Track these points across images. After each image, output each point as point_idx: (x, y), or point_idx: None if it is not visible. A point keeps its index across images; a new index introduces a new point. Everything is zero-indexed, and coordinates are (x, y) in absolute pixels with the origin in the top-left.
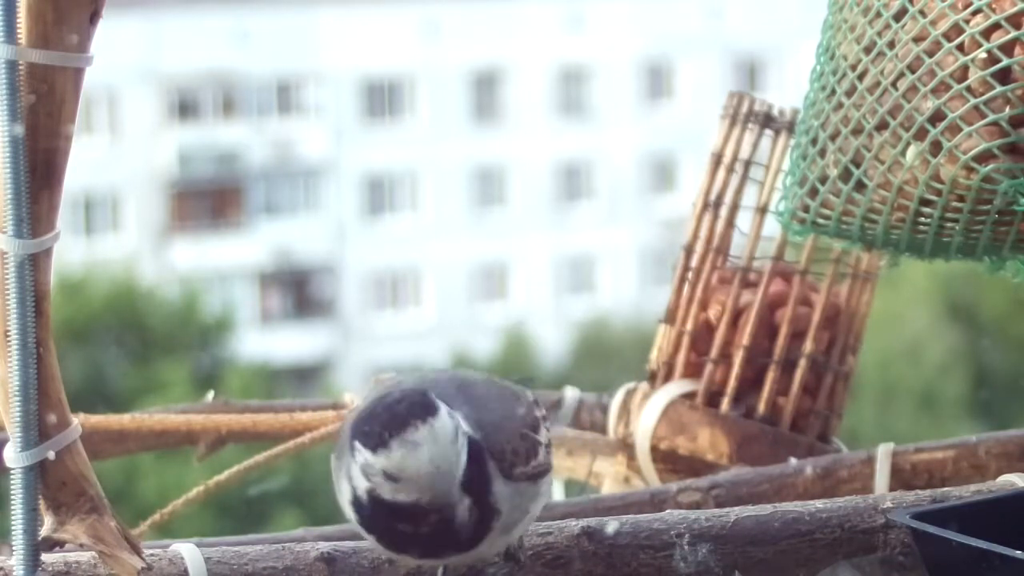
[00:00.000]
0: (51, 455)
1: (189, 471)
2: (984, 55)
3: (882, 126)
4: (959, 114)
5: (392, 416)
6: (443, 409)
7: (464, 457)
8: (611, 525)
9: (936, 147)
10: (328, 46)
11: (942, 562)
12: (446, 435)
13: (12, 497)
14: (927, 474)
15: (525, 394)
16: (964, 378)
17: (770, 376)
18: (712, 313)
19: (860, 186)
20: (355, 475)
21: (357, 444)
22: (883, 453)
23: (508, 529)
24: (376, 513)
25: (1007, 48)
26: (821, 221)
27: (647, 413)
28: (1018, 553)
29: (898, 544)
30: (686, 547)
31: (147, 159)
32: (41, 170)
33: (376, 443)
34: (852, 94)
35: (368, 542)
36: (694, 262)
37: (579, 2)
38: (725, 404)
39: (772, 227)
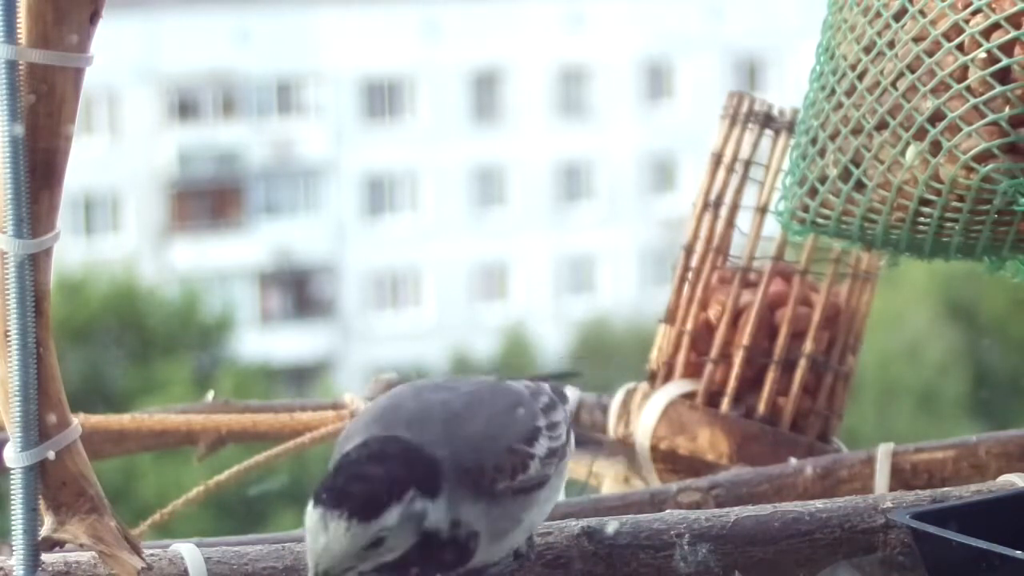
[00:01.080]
0: (51, 455)
1: (187, 471)
2: (984, 55)
3: (882, 126)
4: (959, 114)
5: (345, 488)
6: (392, 511)
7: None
8: (611, 525)
9: (936, 147)
10: (328, 46)
11: (942, 562)
12: (367, 535)
13: (12, 497)
14: (927, 474)
15: (530, 402)
16: (964, 378)
17: (770, 376)
18: (712, 313)
19: (860, 186)
20: None
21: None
22: (883, 453)
23: (498, 539)
24: None
25: (1007, 48)
26: (821, 221)
27: (647, 413)
28: (1018, 553)
29: (898, 544)
30: (686, 547)
31: (147, 159)
32: (41, 170)
33: (316, 498)
34: (852, 94)
35: None
36: (694, 262)
37: (579, 2)
38: (725, 404)
39: (772, 227)
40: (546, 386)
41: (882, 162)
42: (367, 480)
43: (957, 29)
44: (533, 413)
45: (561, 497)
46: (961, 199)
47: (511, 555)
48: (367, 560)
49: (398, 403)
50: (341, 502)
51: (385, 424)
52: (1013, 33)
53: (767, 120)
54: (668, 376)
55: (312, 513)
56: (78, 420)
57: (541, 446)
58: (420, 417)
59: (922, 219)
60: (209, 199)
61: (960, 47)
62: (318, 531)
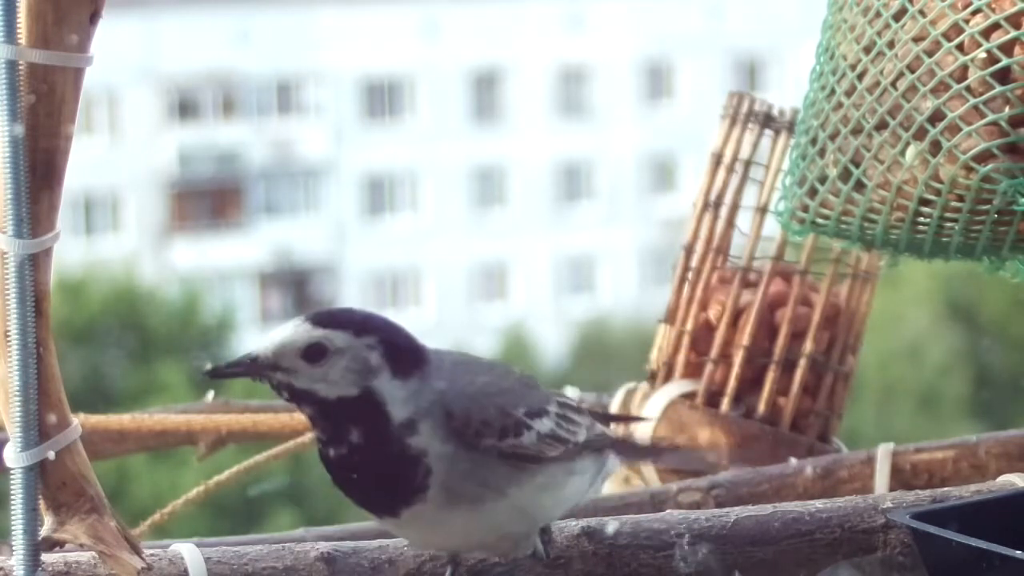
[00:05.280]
0: (51, 455)
1: (182, 473)
2: (984, 55)
3: (881, 126)
4: (958, 114)
5: (324, 310)
6: (344, 335)
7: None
8: (611, 525)
9: (935, 147)
10: (328, 46)
11: (942, 562)
12: (309, 336)
13: (12, 497)
14: (927, 474)
15: (549, 395)
16: (964, 378)
17: (770, 376)
18: (712, 313)
19: (859, 186)
20: None
21: None
22: (883, 453)
23: (460, 499)
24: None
25: (1007, 48)
26: (820, 221)
27: (647, 413)
28: (1018, 553)
29: (898, 544)
30: (686, 547)
31: (147, 159)
32: (41, 170)
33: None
34: (852, 94)
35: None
36: (694, 262)
37: (579, 2)
38: (725, 404)
39: (772, 227)
40: (584, 407)
41: (882, 162)
42: (348, 311)
43: (957, 29)
44: (546, 398)
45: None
46: (961, 199)
47: (528, 552)
48: (299, 374)
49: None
50: (312, 314)
51: None
52: (1013, 33)
53: (767, 120)
54: (668, 376)
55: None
56: (78, 420)
57: (544, 424)
58: (433, 357)
59: (922, 219)
60: (209, 199)
61: (960, 47)
62: (278, 328)
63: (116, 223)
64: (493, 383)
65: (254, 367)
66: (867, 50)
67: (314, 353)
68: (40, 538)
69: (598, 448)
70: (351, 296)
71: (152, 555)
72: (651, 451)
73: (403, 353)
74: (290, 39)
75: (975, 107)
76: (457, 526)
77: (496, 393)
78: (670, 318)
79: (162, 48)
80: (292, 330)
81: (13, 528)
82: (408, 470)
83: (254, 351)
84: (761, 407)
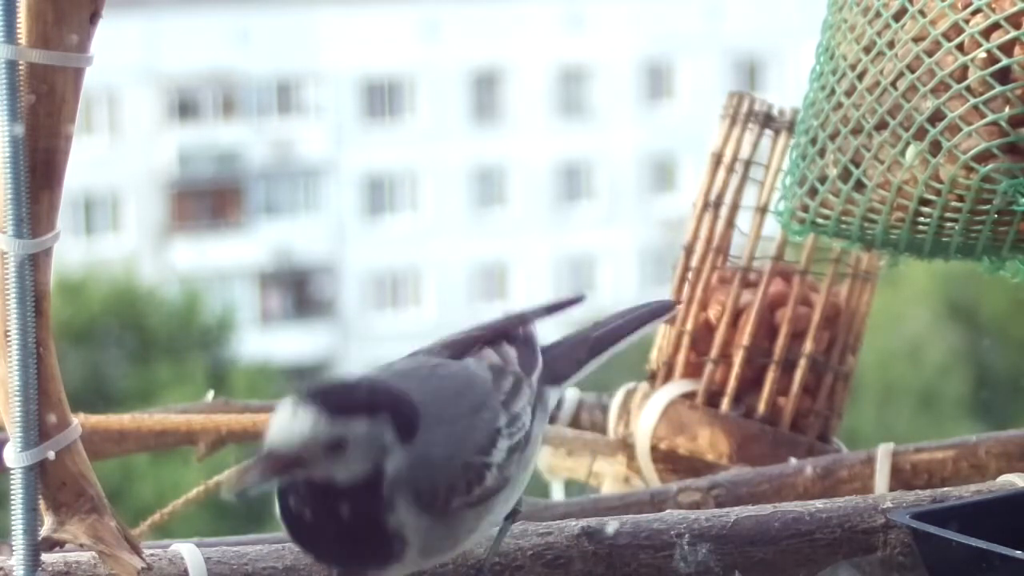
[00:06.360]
0: (51, 455)
1: (185, 472)
2: (984, 55)
3: (881, 126)
4: (958, 114)
5: (325, 390)
6: (363, 422)
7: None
8: (611, 525)
9: (935, 147)
10: (328, 46)
11: (942, 562)
12: (332, 432)
13: (12, 497)
14: (927, 474)
15: (493, 396)
16: (964, 378)
17: (770, 376)
18: (712, 313)
19: (859, 186)
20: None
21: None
22: (883, 453)
23: (433, 554)
24: (282, 497)
25: (1007, 48)
26: (820, 221)
27: (647, 413)
28: (1018, 553)
29: (898, 544)
30: (686, 547)
31: (147, 159)
32: (41, 170)
33: (296, 393)
34: (852, 94)
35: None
36: (694, 262)
37: (579, 2)
38: (725, 404)
39: (772, 227)
40: (514, 355)
41: (882, 162)
42: (350, 389)
43: (957, 29)
44: (495, 412)
45: (560, 497)
46: (961, 199)
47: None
48: (318, 464)
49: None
50: (317, 398)
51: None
52: (1013, 33)
53: (767, 120)
54: (668, 376)
55: (285, 403)
56: (78, 420)
57: (500, 451)
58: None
59: (922, 219)
60: (209, 199)
61: (960, 47)
62: (285, 416)
63: (116, 223)
64: (453, 433)
65: (279, 466)
66: (867, 50)
67: (337, 447)
68: (40, 538)
69: (541, 397)
70: (351, 296)
71: (152, 555)
72: (583, 344)
73: (409, 421)
74: (290, 39)
75: (975, 107)
76: (429, 565)
77: (456, 446)
78: (670, 318)
79: (162, 48)
80: (310, 424)
81: (13, 528)
82: (384, 544)
83: (274, 446)
84: (761, 407)
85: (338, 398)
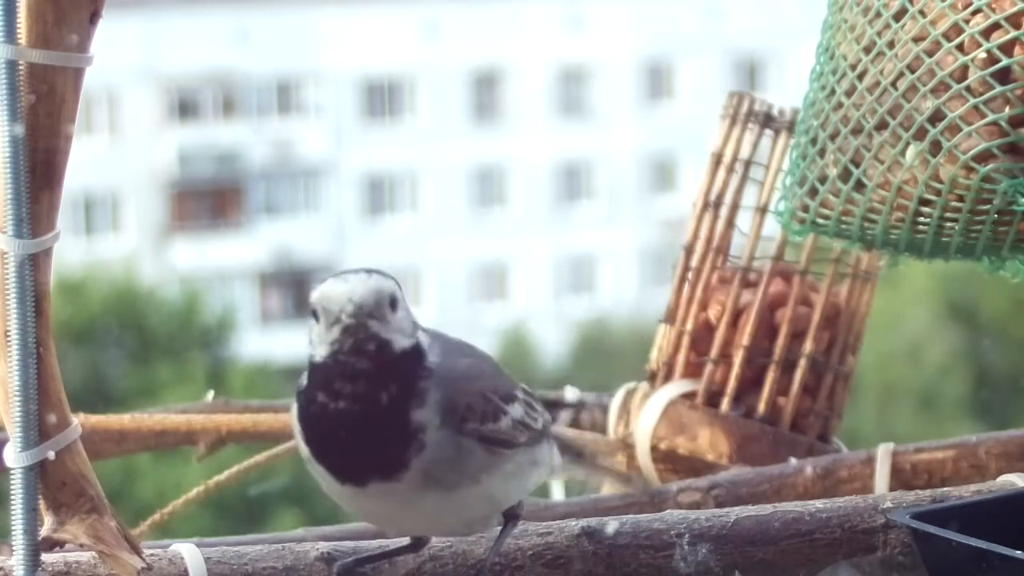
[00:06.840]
0: (51, 455)
1: (187, 472)
2: (984, 55)
3: (881, 126)
4: (958, 114)
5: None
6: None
7: (402, 335)
8: (611, 525)
9: (935, 147)
10: (328, 46)
11: (942, 562)
12: (387, 285)
13: (12, 497)
14: (927, 474)
15: (515, 381)
16: (964, 378)
17: (770, 376)
18: (712, 313)
19: (859, 186)
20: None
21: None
22: (883, 453)
23: (433, 480)
24: (309, 396)
25: (1007, 48)
26: (820, 221)
27: (647, 413)
28: (1018, 553)
29: (898, 544)
30: (686, 547)
31: (147, 159)
32: (41, 170)
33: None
34: (852, 94)
35: (324, 485)
36: (694, 262)
37: (579, 2)
38: (725, 404)
39: (772, 227)
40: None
41: (882, 162)
42: (367, 268)
43: (957, 29)
44: (513, 383)
45: (560, 497)
46: (961, 199)
47: (483, 532)
48: (386, 323)
49: None
50: (355, 269)
51: None
52: (1013, 33)
53: (767, 120)
54: (668, 376)
55: (326, 281)
56: (78, 420)
57: (516, 410)
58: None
59: (922, 219)
60: (209, 199)
61: (960, 47)
62: (337, 282)
63: (116, 223)
64: (475, 365)
65: (363, 315)
66: (867, 50)
67: (394, 303)
68: (40, 538)
69: (550, 436)
70: None
71: (152, 555)
72: (576, 454)
73: (435, 332)
74: (290, 39)
75: (975, 107)
76: (426, 509)
77: (477, 376)
78: (670, 318)
79: (162, 48)
80: (367, 282)
81: (13, 528)
82: (402, 442)
83: (354, 301)
84: (761, 407)
85: (371, 268)
